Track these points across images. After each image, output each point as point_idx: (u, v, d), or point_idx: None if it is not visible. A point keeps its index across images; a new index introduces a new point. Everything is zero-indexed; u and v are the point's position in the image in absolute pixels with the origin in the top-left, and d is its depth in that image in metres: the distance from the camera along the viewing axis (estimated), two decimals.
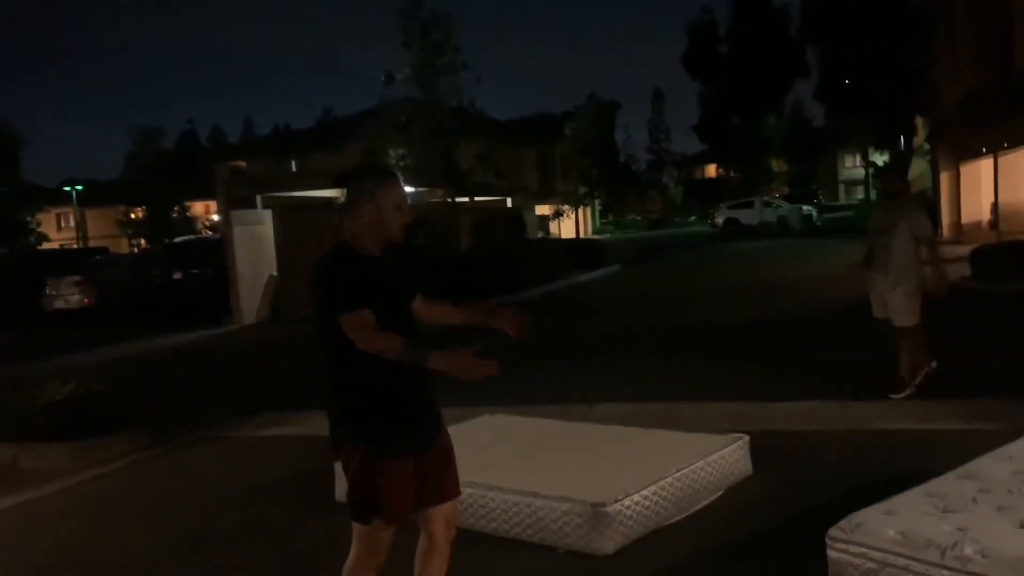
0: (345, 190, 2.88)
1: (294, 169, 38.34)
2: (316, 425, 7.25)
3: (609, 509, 3.92)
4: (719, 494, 4.62)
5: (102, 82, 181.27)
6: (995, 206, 19.98)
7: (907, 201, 6.67)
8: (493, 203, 25.99)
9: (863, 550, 3.04)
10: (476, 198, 23.50)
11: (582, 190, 40.15)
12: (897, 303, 6.21)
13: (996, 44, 16.94)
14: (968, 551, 2.81)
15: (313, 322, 2.83)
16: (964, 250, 17.86)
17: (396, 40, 19.66)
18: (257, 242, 16.68)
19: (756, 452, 5.01)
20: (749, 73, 38.10)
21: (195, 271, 20.22)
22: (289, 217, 16.51)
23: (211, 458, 6.69)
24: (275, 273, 16.46)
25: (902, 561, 2.93)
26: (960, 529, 2.94)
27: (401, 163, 20.96)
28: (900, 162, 31.43)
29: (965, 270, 14.31)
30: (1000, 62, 16.47)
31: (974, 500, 3.20)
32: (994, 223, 20.16)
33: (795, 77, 39.02)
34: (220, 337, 15.12)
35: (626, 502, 4.01)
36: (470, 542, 3.79)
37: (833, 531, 3.17)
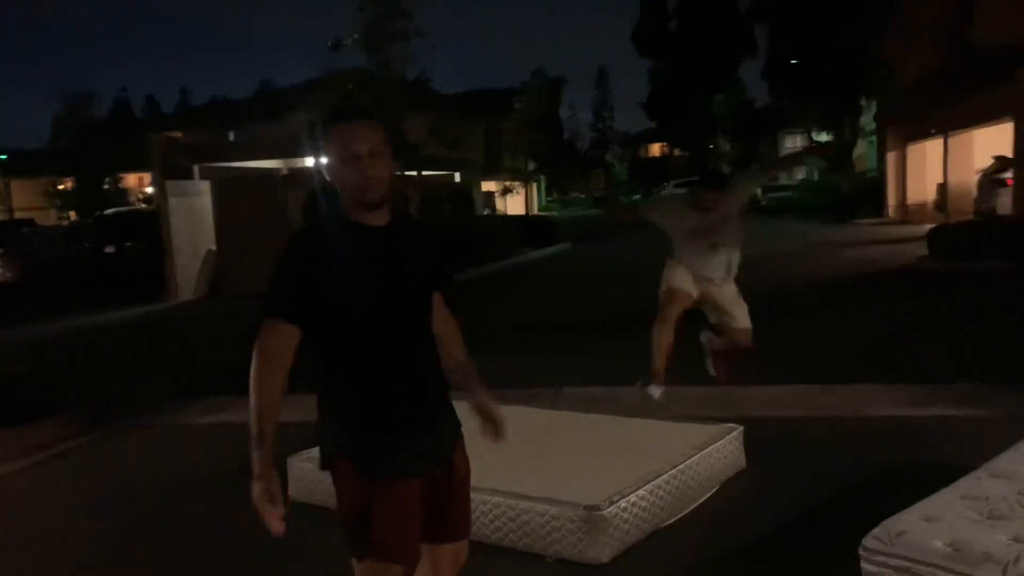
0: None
1: (232, 139, 37.22)
2: None
3: (604, 513, 3.52)
4: (714, 490, 4.28)
5: (30, 48, 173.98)
6: (944, 187, 20.17)
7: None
8: (441, 178, 25.43)
9: (907, 564, 2.69)
10: (424, 172, 22.92)
11: (532, 166, 39.70)
12: (736, 299, 5.49)
13: (951, 24, 16.96)
14: None
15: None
16: (917, 230, 18.02)
17: (341, 4, 18.89)
18: (194, 215, 15.88)
19: (745, 442, 4.68)
20: (698, 51, 37.99)
21: (128, 244, 19.27)
22: (228, 189, 15.78)
23: (149, 447, 6.13)
24: (213, 247, 15.72)
25: None
26: (1016, 540, 2.61)
27: None
28: (842, 143, 31.68)
29: (922, 250, 14.35)
30: (955, 42, 16.48)
31: (1020, 504, 2.88)
32: (941, 204, 20.37)
33: (743, 56, 39.07)
34: (156, 314, 14.33)
35: (622, 504, 3.62)
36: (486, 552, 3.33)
37: (869, 541, 2.81)
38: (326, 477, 4.36)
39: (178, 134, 28.60)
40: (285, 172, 17.45)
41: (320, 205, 15.52)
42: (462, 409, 2.51)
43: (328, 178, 2.27)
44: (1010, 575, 2.49)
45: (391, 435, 2.24)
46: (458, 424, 2.42)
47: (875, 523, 2.93)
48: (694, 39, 37.80)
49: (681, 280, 5.26)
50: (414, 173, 21.63)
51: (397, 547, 2.23)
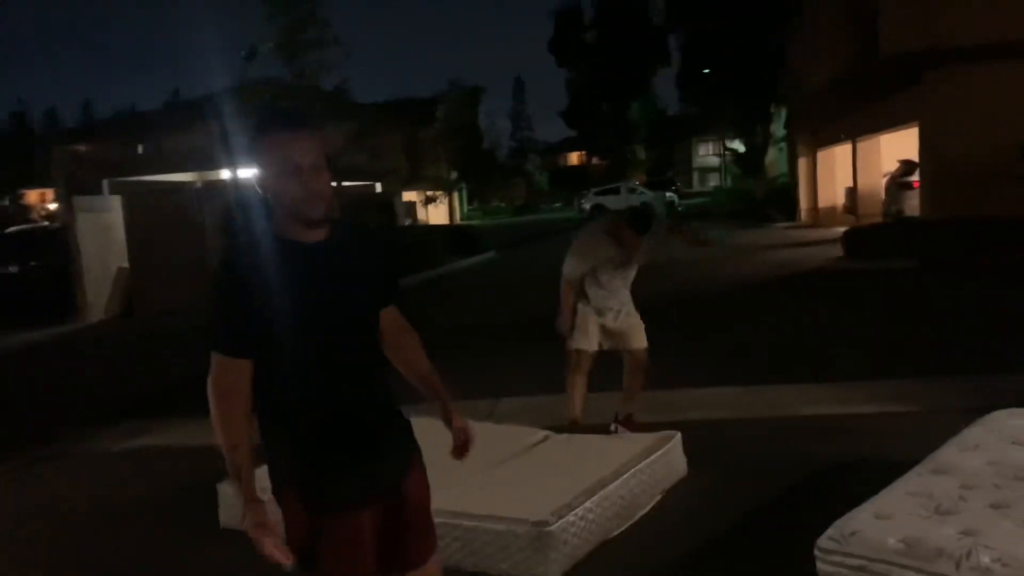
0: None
1: (142, 152, 35.99)
2: (186, 433, 6.54)
3: (553, 528, 3.42)
4: (657, 498, 4.24)
5: None
6: (853, 190, 20.87)
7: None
8: (362, 188, 25.10)
9: (863, 562, 2.69)
10: (344, 183, 22.58)
11: (454, 175, 39.56)
12: (637, 323, 5.45)
13: (860, 32, 17.57)
14: (985, 560, 2.51)
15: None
16: (829, 232, 18.60)
17: (256, 14, 18.42)
18: (104, 231, 15.23)
19: (683, 447, 4.67)
20: (614, 60, 38.56)
21: (34, 263, 18.33)
22: (140, 203, 15.22)
23: (67, 476, 5.77)
24: (125, 264, 15.11)
25: (910, 575, 2.60)
26: (966, 534, 2.64)
27: None
28: (755, 150, 32.62)
29: (836, 251, 14.80)
30: (863, 50, 17.09)
31: (963, 499, 2.93)
32: (851, 207, 21.06)
33: (658, 65, 39.85)
34: (66, 336, 13.66)
35: (570, 518, 3.53)
36: None
37: (824, 541, 2.81)
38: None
39: (83, 147, 27.50)
40: (200, 185, 16.94)
41: (241, 221, 15.11)
42: (430, 423, 2.40)
43: (261, 191, 2.08)
44: (963, 569, 2.52)
45: (333, 465, 2.09)
46: (411, 448, 2.30)
47: (822, 522, 2.94)
48: (609, 49, 38.37)
49: (589, 342, 5.31)
50: (334, 184, 21.33)
51: None
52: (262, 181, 2.07)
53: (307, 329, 2.04)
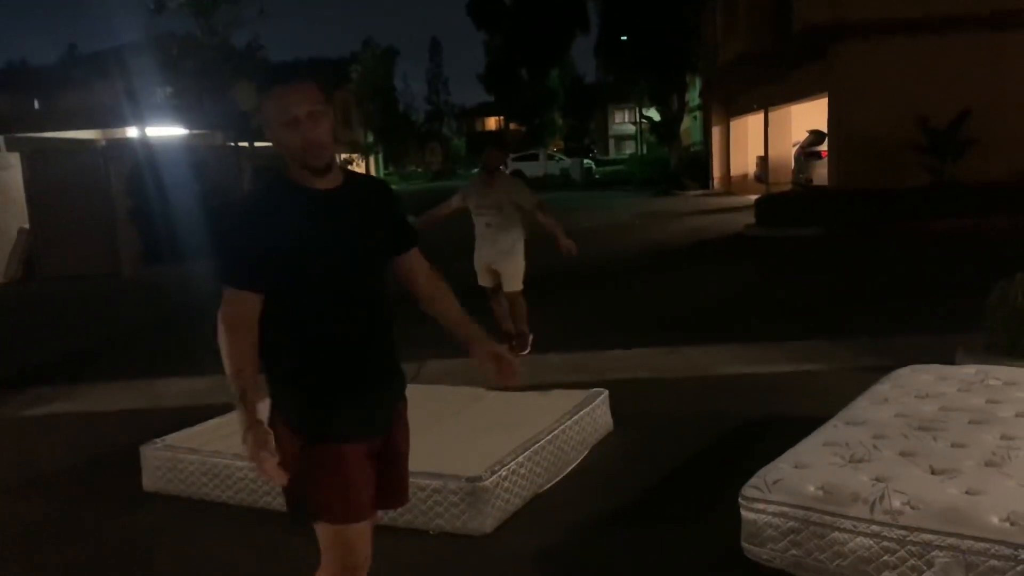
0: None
1: (37, 108, 34.18)
2: (96, 399, 6.34)
3: (486, 483, 3.49)
4: (584, 454, 4.35)
5: None
6: (765, 159, 21.46)
7: (506, 176, 6.85)
8: (274, 149, 24.43)
9: (784, 508, 2.83)
10: (256, 143, 21.97)
11: (370, 138, 38.92)
12: (514, 270, 6.47)
13: (774, 4, 17.97)
14: (896, 503, 2.67)
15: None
16: (740, 200, 19.12)
17: None
18: (0, 190, 14.45)
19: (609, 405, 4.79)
20: (533, 25, 38.42)
21: None
22: (41, 161, 14.44)
23: None
24: (26, 225, 14.39)
25: (828, 518, 2.75)
26: (878, 480, 2.81)
27: (170, 101, 19.06)
28: (670, 118, 33.11)
29: (748, 218, 15.23)
30: (776, 22, 17.50)
31: (875, 447, 3.10)
32: (760, 175, 21.68)
33: (576, 31, 39.89)
34: None
35: (502, 473, 3.60)
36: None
37: (747, 490, 2.94)
38: (179, 465, 4.10)
39: None
40: (104, 143, 16.21)
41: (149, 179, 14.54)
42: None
43: (271, 142, 2.19)
44: (876, 512, 2.68)
45: (331, 399, 2.17)
46: (402, 399, 2.38)
47: (743, 474, 3.07)
48: (528, 13, 38.20)
49: (481, 277, 6.57)
50: (246, 144, 20.73)
51: (345, 509, 2.17)
52: (269, 133, 2.17)
53: (316, 268, 2.13)
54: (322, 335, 2.16)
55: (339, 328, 2.18)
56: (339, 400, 2.18)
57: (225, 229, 2.16)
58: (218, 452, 4.05)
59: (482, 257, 6.53)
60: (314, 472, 2.15)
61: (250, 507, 3.94)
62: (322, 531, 2.22)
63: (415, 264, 2.42)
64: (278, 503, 3.72)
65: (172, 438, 4.33)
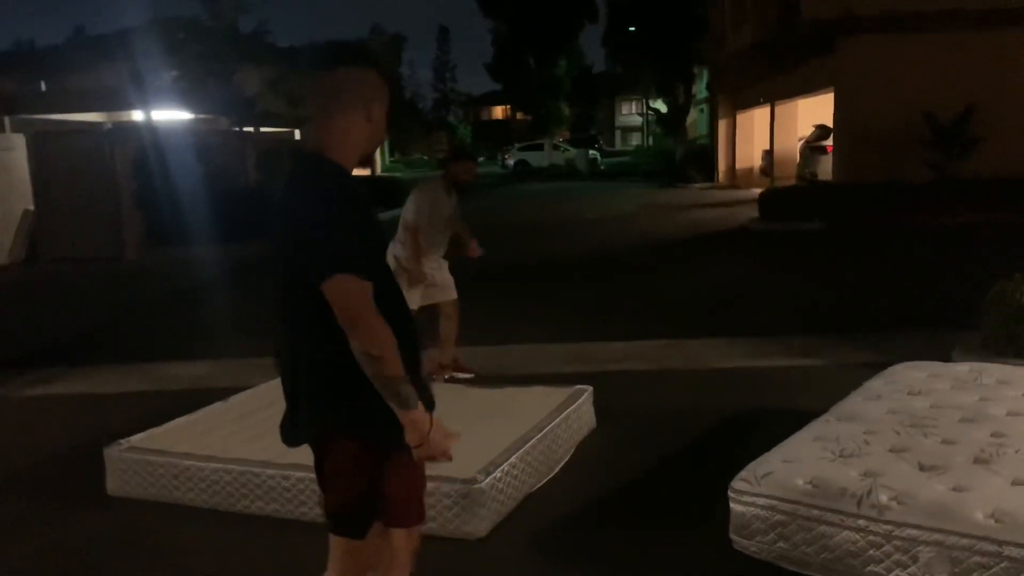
0: (309, 87, 2.13)
1: (45, 90, 34.11)
2: (99, 381, 6.37)
3: (482, 485, 3.43)
4: (571, 452, 4.31)
5: None
6: (770, 153, 21.39)
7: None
8: (280, 135, 24.41)
9: (774, 501, 2.85)
10: (262, 129, 21.94)
11: None
12: (449, 279, 5.82)
13: None
14: (883, 498, 2.69)
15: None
16: (745, 194, 19.10)
17: None
18: (6, 171, 14.48)
19: (599, 396, 4.76)
20: (541, 13, 38.25)
21: None
22: (47, 143, 14.45)
23: None
24: (30, 207, 14.42)
25: (816, 512, 2.77)
26: (867, 475, 2.82)
27: (175, 85, 19.03)
28: (677, 110, 33.00)
29: (752, 212, 15.21)
30: (784, 15, 17.41)
31: (866, 443, 3.11)
32: (767, 169, 21.62)
33: (584, 20, 39.72)
34: None
35: (497, 474, 3.53)
36: (310, 532, 3.14)
37: (737, 483, 2.96)
38: (145, 469, 3.91)
39: None
40: (110, 126, 16.21)
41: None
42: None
43: (350, 128, 2.11)
44: (864, 506, 2.70)
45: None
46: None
47: (733, 468, 3.09)
48: (537, 1, 38.06)
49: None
50: (251, 129, 20.70)
51: (421, 510, 2.31)
52: (359, 115, 2.14)
53: (383, 262, 2.17)
54: (398, 334, 2.01)
55: (405, 327, 2.08)
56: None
57: (339, 214, 1.98)
58: (189, 454, 3.90)
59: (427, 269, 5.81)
60: (394, 480, 2.16)
61: (227, 511, 3.78)
62: (358, 543, 2.18)
63: None
64: (256, 507, 3.69)
65: (137, 439, 4.15)
